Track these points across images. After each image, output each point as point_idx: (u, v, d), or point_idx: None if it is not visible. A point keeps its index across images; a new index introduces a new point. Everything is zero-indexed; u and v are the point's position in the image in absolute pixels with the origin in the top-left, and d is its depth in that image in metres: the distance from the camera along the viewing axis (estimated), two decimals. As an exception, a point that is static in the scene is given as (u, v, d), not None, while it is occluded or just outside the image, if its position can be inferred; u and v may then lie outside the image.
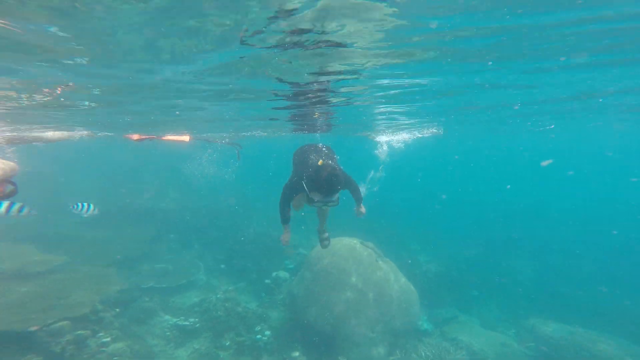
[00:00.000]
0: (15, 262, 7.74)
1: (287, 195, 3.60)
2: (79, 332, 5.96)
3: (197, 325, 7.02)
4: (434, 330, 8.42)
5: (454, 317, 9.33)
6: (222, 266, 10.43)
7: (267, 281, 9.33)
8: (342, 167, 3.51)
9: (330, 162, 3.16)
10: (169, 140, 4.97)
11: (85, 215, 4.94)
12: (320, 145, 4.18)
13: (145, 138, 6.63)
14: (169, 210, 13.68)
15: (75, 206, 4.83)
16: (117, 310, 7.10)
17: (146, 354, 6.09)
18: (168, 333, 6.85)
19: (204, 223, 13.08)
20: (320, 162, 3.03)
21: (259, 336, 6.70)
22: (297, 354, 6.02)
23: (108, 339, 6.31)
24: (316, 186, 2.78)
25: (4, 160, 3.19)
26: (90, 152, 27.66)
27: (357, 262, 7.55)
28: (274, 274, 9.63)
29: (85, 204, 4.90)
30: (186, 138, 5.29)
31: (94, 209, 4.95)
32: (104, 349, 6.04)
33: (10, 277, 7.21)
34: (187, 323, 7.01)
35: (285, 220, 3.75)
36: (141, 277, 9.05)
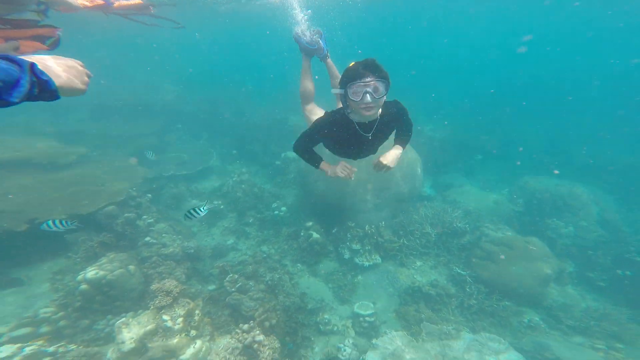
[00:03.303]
0: (45, 154, 8.14)
1: (310, 137, 2.58)
2: (126, 214, 6.72)
3: (222, 206, 7.96)
4: (436, 195, 9.25)
5: (456, 182, 10.03)
6: (234, 152, 10.85)
7: (277, 162, 9.83)
8: None
9: None
10: (119, 7, 4.05)
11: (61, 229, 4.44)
12: None
13: (93, 5, 5.29)
14: (170, 103, 13.24)
15: (47, 225, 4.38)
16: (149, 196, 7.92)
17: (188, 232, 7.19)
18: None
19: (208, 112, 12.83)
20: None
21: (276, 212, 7.64)
22: (310, 223, 6.98)
23: (152, 220, 7.31)
24: (351, 71, 2.11)
25: None
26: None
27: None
28: (282, 154, 10.02)
29: (57, 221, 4.42)
30: (140, 1, 4.24)
31: (72, 224, 4.52)
32: (152, 228, 7.02)
33: (46, 167, 7.74)
34: (213, 205, 7.94)
35: (317, 161, 2.72)
36: (160, 166, 9.69)
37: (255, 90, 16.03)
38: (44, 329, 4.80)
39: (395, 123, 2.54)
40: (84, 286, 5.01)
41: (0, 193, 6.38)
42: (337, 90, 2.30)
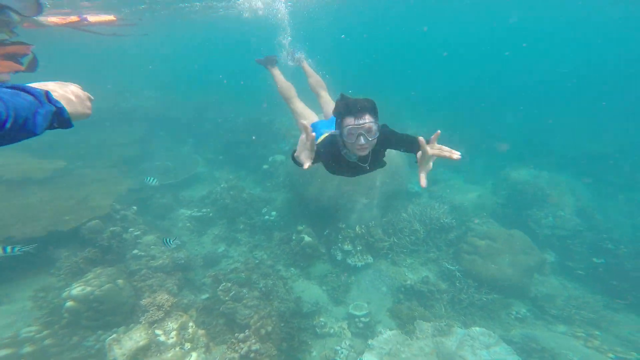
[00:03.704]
0: (16, 170, 7.73)
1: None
2: (111, 228, 6.51)
3: (211, 214, 7.86)
4: (423, 191, 9.45)
5: (442, 178, 10.29)
6: (220, 157, 10.72)
7: (265, 166, 9.78)
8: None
9: None
10: (94, 23, 3.95)
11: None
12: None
13: (65, 22, 5.10)
14: (151, 109, 12.92)
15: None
16: (135, 208, 7.75)
17: (178, 242, 7.05)
18: (188, 224, 7.77)
19: (192, 118, 12.61)
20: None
21: (267, 217, 7.62)
22: (301, 226, 7.00)
23: (139, 233, 7.14)
24: (345, 112, 2.12)
25: None
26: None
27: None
28: (270, 158, 9.98)
29: (9, 248, 4.17)
30: (112, 18, 4.16)
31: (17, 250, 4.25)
32: (139, 240, 6.84)
33: (20, 184, 7.41)
34: (202, 213, 7.84)
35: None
36: (145, 175, 9.45)
37: (239, 93, 15.86)
38: (27, 349, 4.62)
39: (386, 145, 2.47)
40: (70, 303, 4.86)
41: (-26, 211, 6.07)
42: (333, 131, 2.39)
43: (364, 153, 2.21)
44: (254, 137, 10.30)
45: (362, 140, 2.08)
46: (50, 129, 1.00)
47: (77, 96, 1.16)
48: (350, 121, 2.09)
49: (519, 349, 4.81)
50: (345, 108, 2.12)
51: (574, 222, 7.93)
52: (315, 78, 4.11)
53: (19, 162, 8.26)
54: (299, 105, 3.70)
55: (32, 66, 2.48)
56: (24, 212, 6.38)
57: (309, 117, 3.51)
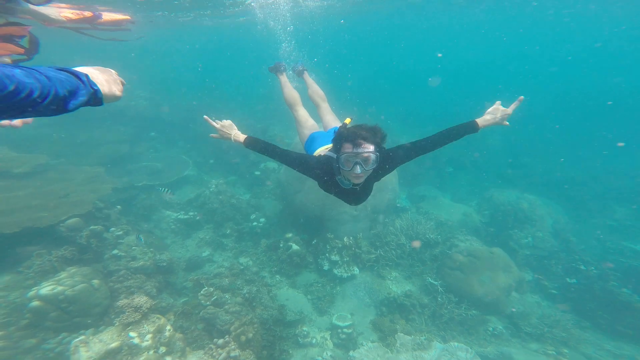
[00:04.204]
0: None
1: (293, 164, 2.47)
2: (92, 227, 6.28)
3: (197, 218, 7.75)
4: (411, 206, 9.65)
5: (429, 194, 10.54)
6: (211, 161, 10.66)
7: (256, 173, 9.79)
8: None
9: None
10: (108, 21, 3.85)
11: None
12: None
13: (79, 18, 4.85)
14: (142, 108, 12.78)
15: None
16: (119, 207, 7.54)
17: (160, 245, 6.90)
18: (173, 226, 7.62)
19: (183, 119, 12.54)
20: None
21: (255, 223, 7.58)
22: (290, 235, 7.00)
23: (121, 233, 6.92)
24: (343, 140, 2.06)
25: None
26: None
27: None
28: (262, 165, 10.00)
29: None
30: (127, 17, 4.09)
31: None
32: (121, 241, 6.62)
33: None
34: (188, 216, 7.72)
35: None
36: (132, 175, 9.27)
37: (233, 98, 15.93)
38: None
39: (384, 170, 2.38)
40: (35, 302, 4.62)
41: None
42: (330, 153, 2.36)
43: (359, 181, 2.16)
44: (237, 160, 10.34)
45: (358, 169, 2.02)
46: (83, 106, 1.10)
47: (110, 78, 1.28)
48: (348, 148, 2.03)
49: (495, 365, 4.90)
50: (347, 134, 2.07)
51: (550, 243, 8.25)
52: (314, 88, 4.22)
53: (-1, 154, 7.97)
54: (302, 114, 3.79)
55: (34, 47, 2.42)
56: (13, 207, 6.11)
57: (310, 126, 3.63)
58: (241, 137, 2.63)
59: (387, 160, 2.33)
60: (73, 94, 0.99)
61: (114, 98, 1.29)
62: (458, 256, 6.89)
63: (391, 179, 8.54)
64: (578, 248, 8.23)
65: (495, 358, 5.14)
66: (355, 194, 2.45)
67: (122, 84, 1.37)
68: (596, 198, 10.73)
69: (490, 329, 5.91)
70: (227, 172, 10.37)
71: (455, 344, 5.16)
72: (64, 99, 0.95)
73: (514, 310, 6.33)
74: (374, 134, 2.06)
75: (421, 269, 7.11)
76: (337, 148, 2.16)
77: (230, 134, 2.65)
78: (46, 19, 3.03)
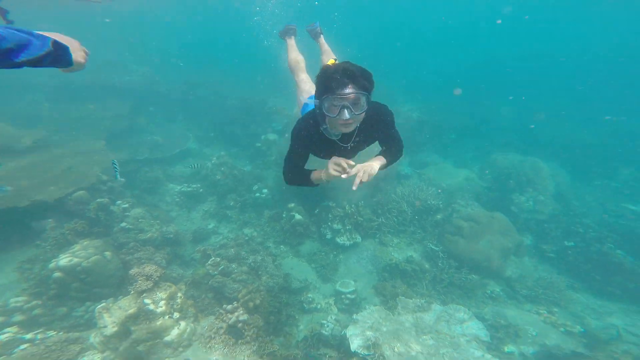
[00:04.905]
0: None
1: (296, 154, 2.15)
2: (98, 200, 6.40)
3: (201, 190, 7.83)
4: (413, 173, 9.60)
5: (432, 161, 10.43)
6: (212, 134, 10.54)
7: (257, 144, 9.69)
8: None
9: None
10: None
11: None
12: None
13: None
14: (139, 84, 12.40)
15: None
16: (123, 180, 7.58)
17: (166, 218, 7.05)
18: (177, 199, 7.73)
19: (183, 94, 12.21)
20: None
21: (257, 194, 7.64)
22: (292, 204, 7.07)
23: (127, 205, 7.04)
24: (325, 80, 1.71)
25: None
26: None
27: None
28: (262, 136, 9.86)
29: None
30: None
31: None
32: (127, 213, 6.68)
33: (1, 153, 7.20)
34: (191, 189, 7.79)
35: (309, 178, 2.19)
36: (133, 149, 9.23)
37: (232, 71, 15.38)
38: (17, 317, 4.69)
39: (377, 132, 2.15)
40: (57, 274, 4.88)
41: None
42: (310, 101, 2.04)
43: (348, 130, 1.84)
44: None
45: (345, 114, 1.70)
46: (42, 66, 1.21)
47: (77, 48, 1.39)
48: (331, 94, 1.68)
49: (489, 325, 5.17)
50: (331, 71, 1.69)
51: (551, 206, 8.26)
52: (330, 55, 3.90)
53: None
54: (303, 78, 3.54)
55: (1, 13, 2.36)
56: (5, 182, 6.20)
57: (310, 90, 3.38)
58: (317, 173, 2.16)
59: (380, 116, 2.03)
60: (22, 47, 1.08)
61: (79, 65, 1.39)
62: (459, 221, 6.96)
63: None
64: (578, 211, 8.25)
65: (491, 318, 5.40)
66: (349, 152, 2.16)
67: (86, 53, 1.44)
68: (603, 161, 10.55)
69: (488, 291, 6.14)
70: (229, 144, 10.28)
71: (454, 305, 5.39)
72: (7, 51, 1.04)
73: (511, 273, 6.53)
74: (363, 73, 1.69)
75: (422, 235, 7.24)
76: (319, 92, 1.78)
77: None
78: None
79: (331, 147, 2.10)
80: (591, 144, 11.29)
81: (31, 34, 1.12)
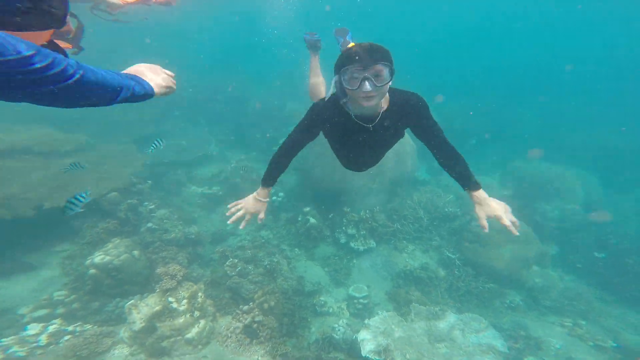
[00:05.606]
0: (44, 143, 8.14)
1: (309, 123, 2.14)
2: (128, 201, 6.88)
3: (220, 193, 8.17)
4: (431, 179, 9.47)
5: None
6: (232, 138, 10.93)
7: (274, 148, 9.88)
8: None
9: None
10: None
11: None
12: None
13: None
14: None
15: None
16: (150, 182, 8.06)
17: (189, 218, 7.43)
18: (199, 201, 8.11)
19: (205, 98, 12.75)
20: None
21: (274, 197, 7.86)
22: (308, 208, 7.23)
23: (153, 207, 7.51)
24: (346, 55, 1.71)
25: None
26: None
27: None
28: (280, 140, 10.06)
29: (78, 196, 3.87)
30: None
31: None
32: (153, 214, 7.17)
33: (49, 155, 7.85)
34: (212, 191, 8.15)
35: (268, 176, 2.42)
36: (160, 152, 9.74)
37: (252, 76, 15.84)
38: (60, 310, 5.14)
39: (407, 119, 2.05)
40: (92, 271, 5.30)
41: (5, 179, 6.52)
42: (334, 83, 1.95)
43: (371, 103, 1.74)
44: (268, 135, 10.47)
45: (367, 85, 1.65)
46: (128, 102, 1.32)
47: (160, 75, 1.47)
48: (352, 65, 1.66)
49: (507, 335, 5.03)
50: (346, 54, 1.71)
51: (580, 215, 7.87)
52: (317, 78, 3.70)
53: (46, 135, 8.67)
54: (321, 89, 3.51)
55: (78, 38, 2.35)
56: (52, 182, 6.78)
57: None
58: (261, 191, 2.38)
59: (410, 101, 1.97)
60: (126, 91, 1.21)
61: (169, 89, 1.49)
62: (478, 229, 6.81)
63: (410, 151, 8.35)
64: (612, 221, 7.80)
65: (510, 328, 5.25)
66: (371, 140, 2.07)
67: (170, 75, 1.52)
68: (637, 168, 9.87)
69: (508, 301, 5.97)
70: (248, 148, 10.62)
71: (470, 314, 5.30)
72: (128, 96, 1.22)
73: (534, 283, 6.30)
74: (381, 47, 1.68)
75: (439, 242, 7.15)
76: (339, 65, 1.76)
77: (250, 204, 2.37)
78: (110, 5, 3.02)
79: (350, 126, 2.02)
80: (624, 149, 10.60)
81: (132, 78, 1.26)
